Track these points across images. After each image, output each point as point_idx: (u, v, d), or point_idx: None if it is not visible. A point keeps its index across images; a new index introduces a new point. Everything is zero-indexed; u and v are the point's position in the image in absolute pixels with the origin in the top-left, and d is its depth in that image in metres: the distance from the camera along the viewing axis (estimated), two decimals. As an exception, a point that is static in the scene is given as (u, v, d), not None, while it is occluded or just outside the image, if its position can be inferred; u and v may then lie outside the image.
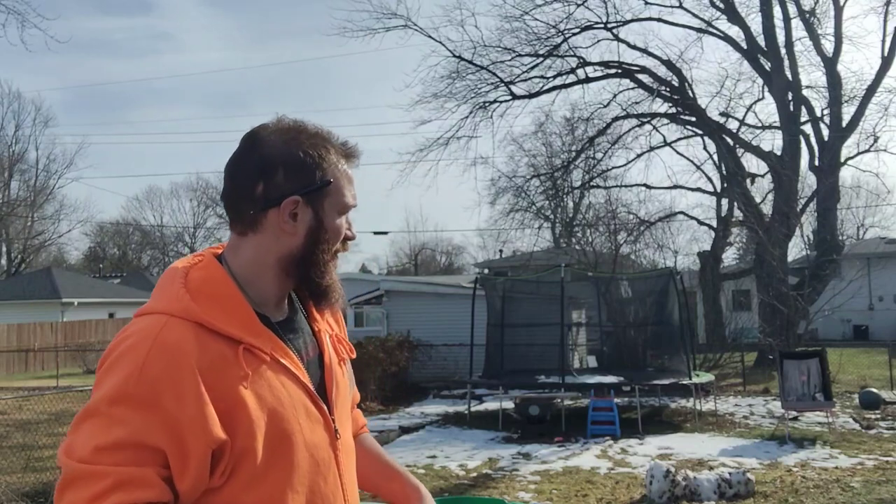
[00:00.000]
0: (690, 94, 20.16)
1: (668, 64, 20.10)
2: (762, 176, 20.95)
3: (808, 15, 19.30)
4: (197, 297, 1.21)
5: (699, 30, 20.42)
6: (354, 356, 1.48)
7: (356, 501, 1.36)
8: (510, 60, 20.03)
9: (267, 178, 1.26)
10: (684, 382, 11.72)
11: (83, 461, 1.11)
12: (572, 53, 20.12)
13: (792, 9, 19.39)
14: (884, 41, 18.87)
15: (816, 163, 19.12)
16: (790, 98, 19.19)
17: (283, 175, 1.26)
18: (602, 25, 19.96)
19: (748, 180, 20.07)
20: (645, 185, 22.00)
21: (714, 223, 22.04)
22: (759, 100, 21.34)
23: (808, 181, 20.48)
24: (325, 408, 1.30)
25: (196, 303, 1.20)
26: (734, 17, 19.71)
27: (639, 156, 21.69)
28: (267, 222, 1.27)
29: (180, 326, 1.17)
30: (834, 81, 18.99)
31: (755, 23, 19.74)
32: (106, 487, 1.08)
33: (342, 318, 1.53)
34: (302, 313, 1.38)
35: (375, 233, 50.61)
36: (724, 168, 21.15)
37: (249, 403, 1.17)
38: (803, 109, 19.41)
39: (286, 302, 1.36)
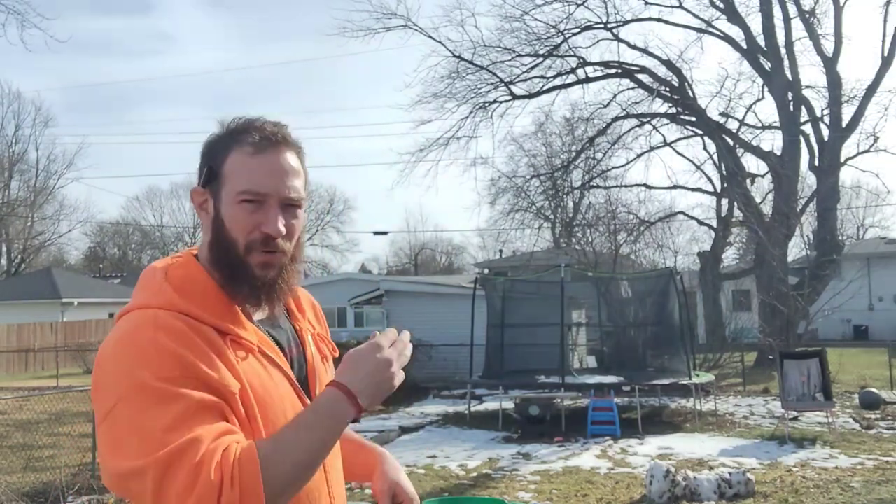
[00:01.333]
0: (690, 94, 20.17)
1: (668, 64, 20.11)
2: (762, 176, 20.97)
3: (808, 15, 19.31)
4: (180, 292, 1.22)
5: (699, 30, 20.44)
6: (337, 355, 1.47)
7: (340, 493, 1.37)
8: (510, 60, 20.08)
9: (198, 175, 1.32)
10: (684, 382, 11.72)
11: (159, 448, 1.04)
12: (572, 53, 20.17)
13: (792, 9, 19.40)
14: (884, 41, 18.90)
15: (816, 163, 19.12)
16: (790, 98, 19.19)
17: (199, 170, 1.31)
18: (602, 25, 19.98)
19: (748, 180, 20.07)
20: (645, 185, 22.05)
21: (714, 223, 22.05)
22: (759, 100, 21.36)
23: (808, 181, 20.51)
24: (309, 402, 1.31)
25: (180, 296, 1.21)
26: (734, 17, 19.71)
27: (639, 156, 21.73)
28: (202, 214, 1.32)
29: (170, 315, 1.18)
30: (834, 81, 18.99)
31: (755, 23, 19.79)
32: (209, 448, 1.05)
33: (323, 316, 1.52)
34: (283, 312, 1.38)
35: (375, 233, 50.74)
36: (724, 168, 21.15)
37: (241, 392, 1.18)
38: (803, 109, 19.41)
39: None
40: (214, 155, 1.28)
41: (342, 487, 1.39)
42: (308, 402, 1.30)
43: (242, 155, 1.26)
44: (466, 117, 20.13)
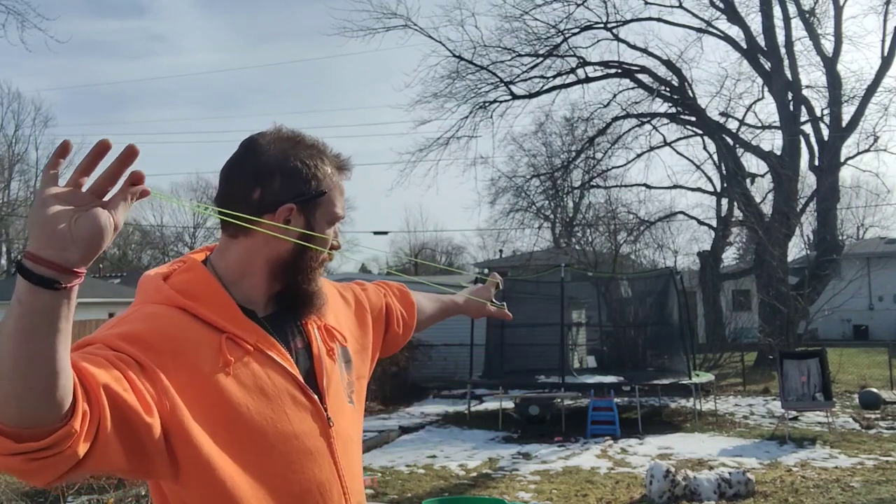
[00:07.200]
0: (690, 94, 20.18)
1: (668, 64, 20.12)
2: (762, 176, 20.97)
3: (808, 15, 19.32)
4: (181, 292, 1.28)
5: (699, 30, 20.45)
6: (347, 344, 1.49)
7: (357, 488, 1.38)
8: (510, 60, 20.09)
9: (264, 184, 1.31)
10: (684, 382, 11.71)
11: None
12: (572, 53, 20.18)
13: (792, 9, 19.41)
14: (884, 41, 18.92)
15: (816, 163, 19.12)
16: (790, 98, 19.19)
17: (279, 182, 1.31)
18: (602, 25, 19.98)
19: (748, 180, 20.07)
20: (645, 185, 22.03)
21: (714, 223, 22.03)
22: (759, 100, 21.38)
23: (808, 181, 20.49)
24: (316, 397, 1.33)
25: (180, 296, 1.27)
26: (734, 16, 19.72)
27: (639, 156, 21.73)
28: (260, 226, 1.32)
29: (166, 308, 1.25)
30: (834, 81, 18.99)
31: (755, 23, 19.79)
32: (101, 356, 1.11)
33: (346, 292, 1.62)
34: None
35: (375, 233, 50.56)
36: (724, 168, 21.14)
37: (231, 390, 1.21)
38: (803, 109, 19.41)
39: (272, 299, 1.39)
40: (311, 177, 1.34)
41: (359, 482, 1.40)
42: (314, 396, 1.33)
43: (338, 180, 1.40)
44: (466, 117, 20.18)
